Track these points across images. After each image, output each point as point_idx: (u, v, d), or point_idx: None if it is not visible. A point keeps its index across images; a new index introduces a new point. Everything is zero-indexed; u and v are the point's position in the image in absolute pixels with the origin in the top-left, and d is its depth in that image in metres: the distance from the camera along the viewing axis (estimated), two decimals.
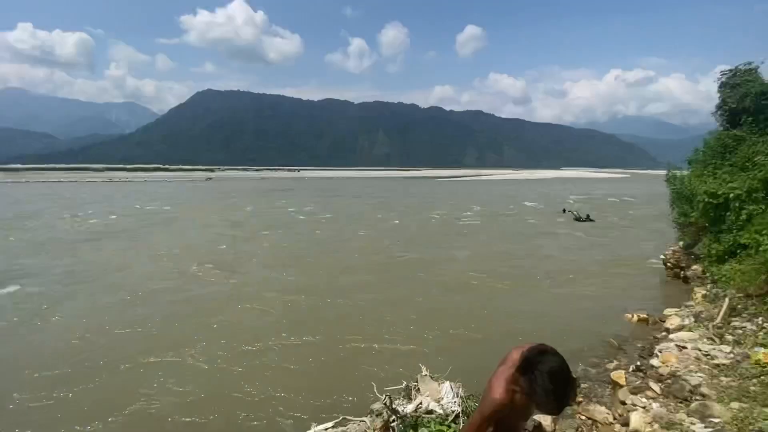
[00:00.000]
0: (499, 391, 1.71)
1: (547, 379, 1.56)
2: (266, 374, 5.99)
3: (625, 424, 4.51)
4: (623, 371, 5.69)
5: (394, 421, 3.98)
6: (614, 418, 4.80)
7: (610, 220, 23.35)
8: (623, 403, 4.99)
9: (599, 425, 4.73)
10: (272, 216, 25.05)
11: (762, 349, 4.52)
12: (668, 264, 11.02)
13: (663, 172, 11.95)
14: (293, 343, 7.00)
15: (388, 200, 37.81)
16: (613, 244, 16.11)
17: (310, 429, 4.22)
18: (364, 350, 6.75)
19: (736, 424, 3.50)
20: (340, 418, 4.28)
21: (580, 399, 5.49)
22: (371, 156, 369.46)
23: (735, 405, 3.88)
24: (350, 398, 5.39)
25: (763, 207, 6.86)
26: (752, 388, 4.11)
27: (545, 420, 4.63)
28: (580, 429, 4.75)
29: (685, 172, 11.53)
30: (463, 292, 9.86)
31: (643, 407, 4.65)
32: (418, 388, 4.57)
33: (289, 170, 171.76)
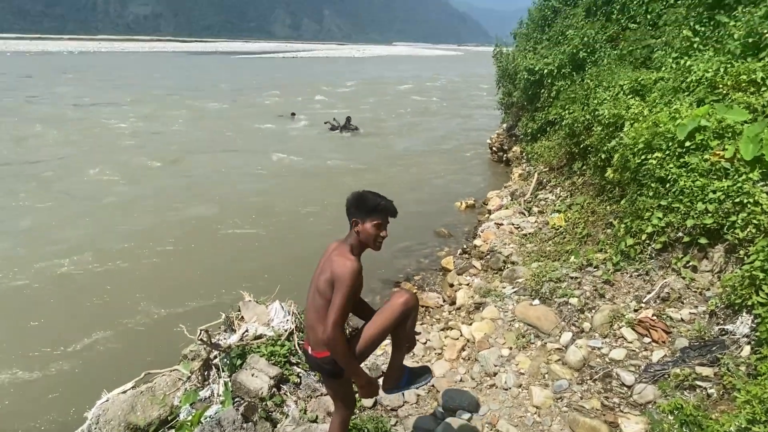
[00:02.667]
0: (349, 261, 2.27)
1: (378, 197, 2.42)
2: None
3: (453, 303, 6.03)
4: (452, 257, 7.37)
5: (216, 357, 4.30)
6: (443, 301, 6.34)
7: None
8: (451, 285, 6.58)
9: (431, 310, 6.19)
10: None
11: (556, 214, 6.53)
12: (493, 148, 13.85)
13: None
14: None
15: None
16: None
17: (101, 398, 4.11)
18: (158, 299, 6.64)
19: (534, 280, 5.15)
20: (142, 374, 4.30)
21: (415, 290, 6.95)
22: (125, 17, 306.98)
23: (535, 265, 5.63)
24: (151, 358, 5.39)
25: (569, 82, 9.15)
26: (548, 248, 6.00)
27: None
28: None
29: (512, 48, 14.01)
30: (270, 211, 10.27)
31: (467, 284, 6.26)
32: (242, 317, 4.95)
33: None
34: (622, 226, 4.95)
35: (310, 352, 2.48)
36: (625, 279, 4.65)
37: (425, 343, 4.96)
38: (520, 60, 11.17)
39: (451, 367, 4.39)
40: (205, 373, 4.08)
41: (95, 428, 3.71)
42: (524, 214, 7.42)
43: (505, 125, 13.54)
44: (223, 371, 4.01)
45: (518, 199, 8.15)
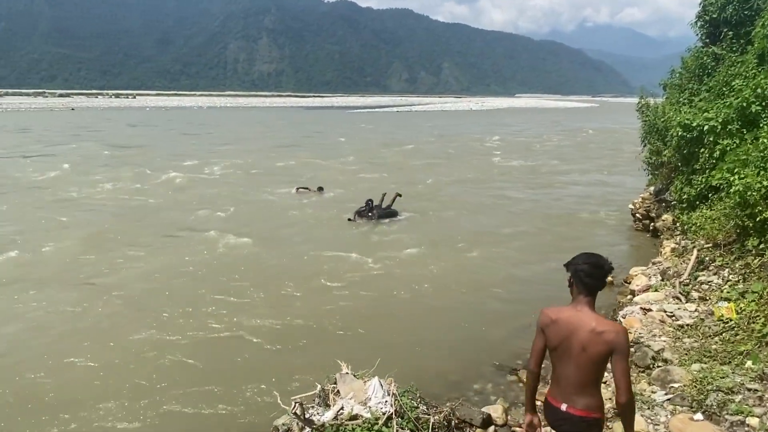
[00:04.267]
0: (621, 327, 2.77)
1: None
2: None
3: None
4: None
5: None
6: None
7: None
8: None
9: None
10: None
11: (725, 304, 5.78)
12: (637, 215, 12.94)
13: (636, 99, 13.64)
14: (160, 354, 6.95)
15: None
16: None
17: None
18: (255, 354, 6.98)
19: (695, 386, 4.53)
20: None
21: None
22: (252, 74, 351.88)
23: (696, 366, 4.98)
24: (243, 420, 5.62)
25: (738, 141, 8.35)
26: (713, 346, 5.29)
27: (495, 412, 5.45)
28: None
29: (660, 100, 13.32)
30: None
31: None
32: (338, 391, 4.97)
33: (115, 95, 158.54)
34: None
35: (564, 409, 2.74)
36: None
37: None
38: (673, 114, 10.57)
39: None
40: None
41: None
42: (680, 300, 6.73)
43: (652, 188, 12.69)
44: None
45: (671, 280, 7.45)
